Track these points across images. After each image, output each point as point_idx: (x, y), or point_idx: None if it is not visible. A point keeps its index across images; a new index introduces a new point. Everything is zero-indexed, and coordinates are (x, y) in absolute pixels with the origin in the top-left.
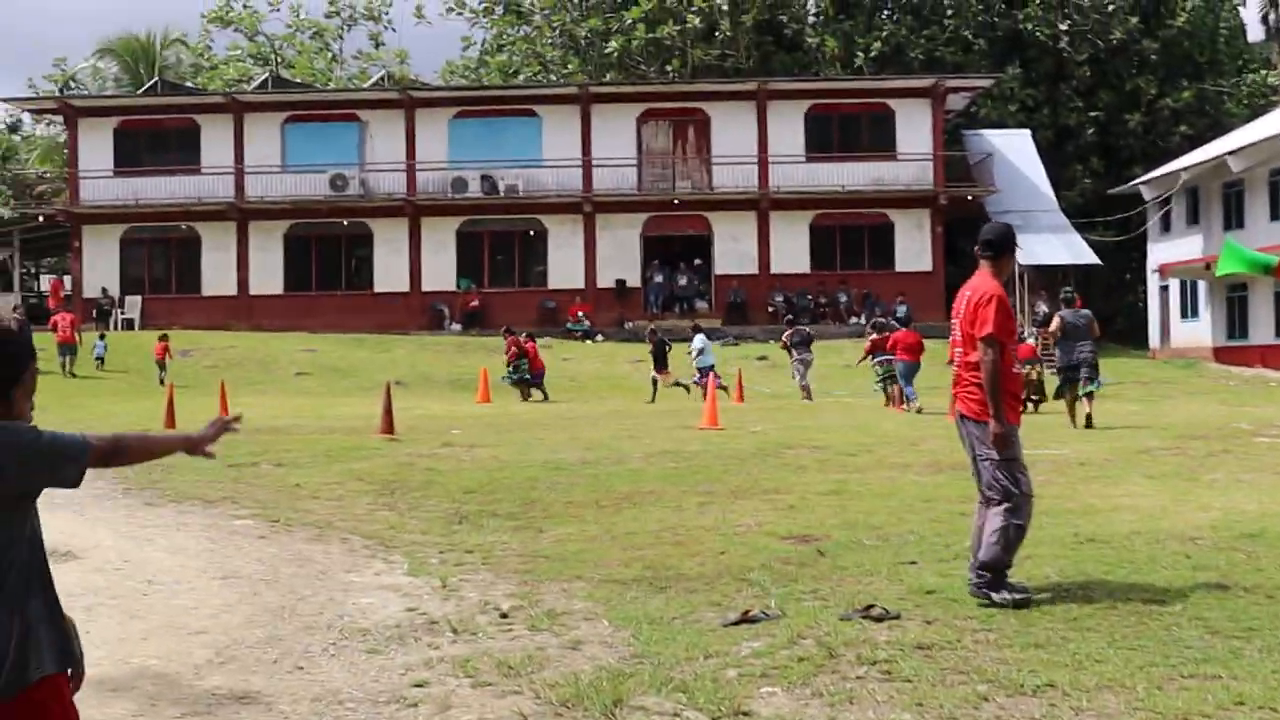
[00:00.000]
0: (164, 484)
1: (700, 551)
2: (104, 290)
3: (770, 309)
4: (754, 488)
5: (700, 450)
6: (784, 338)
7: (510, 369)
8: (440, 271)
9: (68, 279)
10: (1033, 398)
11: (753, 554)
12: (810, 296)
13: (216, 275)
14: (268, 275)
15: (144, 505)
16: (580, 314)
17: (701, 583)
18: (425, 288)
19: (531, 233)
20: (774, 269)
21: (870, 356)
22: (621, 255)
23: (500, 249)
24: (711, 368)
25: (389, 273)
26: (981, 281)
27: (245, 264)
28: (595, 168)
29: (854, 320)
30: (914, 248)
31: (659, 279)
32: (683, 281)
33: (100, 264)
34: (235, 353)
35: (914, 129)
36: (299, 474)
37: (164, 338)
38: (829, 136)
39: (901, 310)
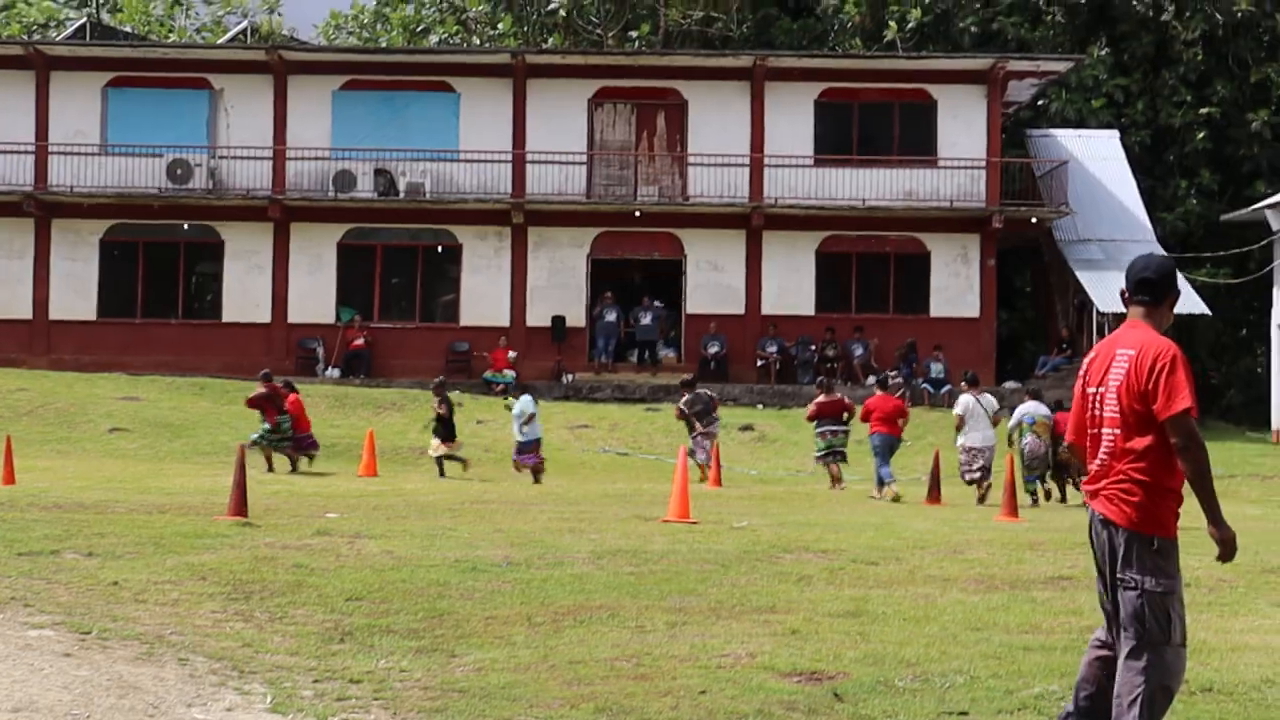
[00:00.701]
0: None
1: (672, 689)
2: None
3: (761, 362)
4: (742, 604)
5: (667, 550)
6: (680, 405)
7: (264, 428)
8: (314, 297)
9: None
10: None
11: (744, 695)
12: (814, 347)
13: (3, 291)
14: (75, 294)
15: None
16: (508, 357)
17: None
18: (293, 318)
19: (440, 248)
20: (767, 308)
21: (816, 422)
22: (562, 283)
23: (396, 269)
24: (538, 442)
25: (244, 296)
26: (1147, 337)
27: (44, 278)
28: (530, 164)
29: (870, 380)
30: (956, 285)
31: (611, 317)
32: (644, 320)
33: None
34: (26, 398)
35: (962, 126)
36: (117, 568)
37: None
38: (846, 133)
39: (937, 369)
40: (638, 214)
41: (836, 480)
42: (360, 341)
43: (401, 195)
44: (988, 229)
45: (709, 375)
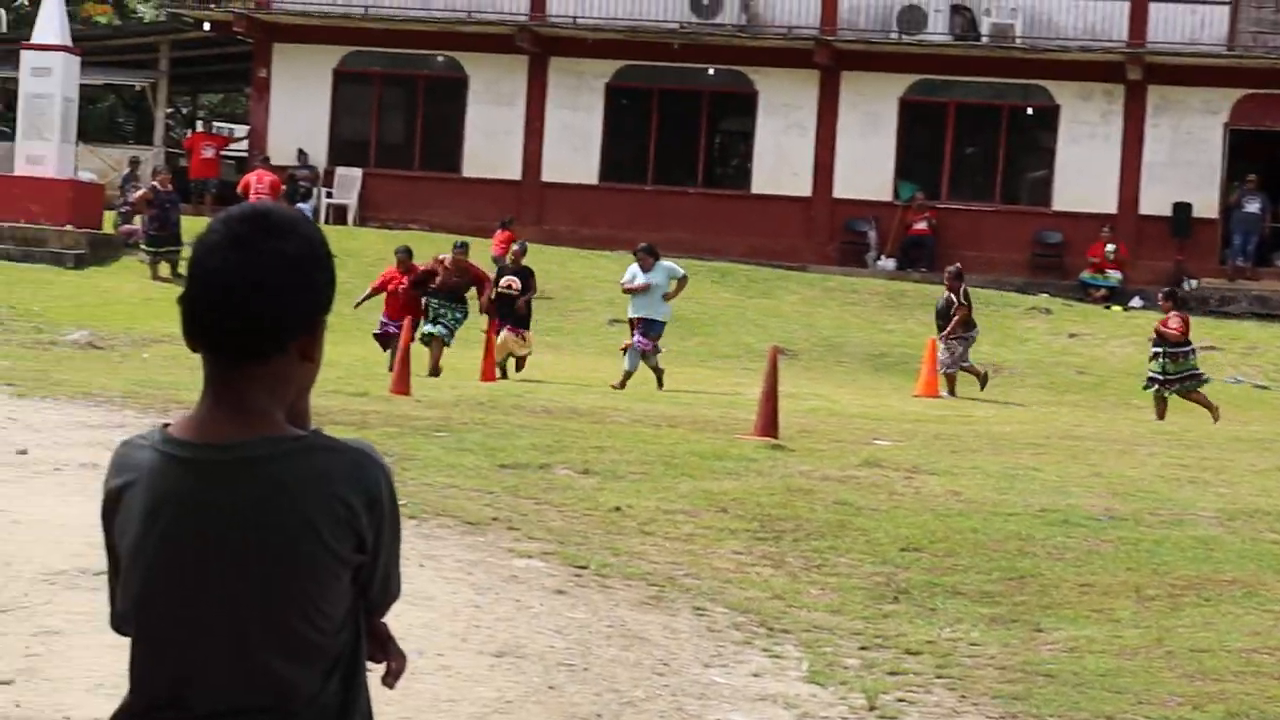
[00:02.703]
0: (398, 484)
1: None
2: (301, 155)
3: None
4: None
5: None
6: None
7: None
8: (867, 168)
9: (236, 130)
10: None
11: None
12: None
13: (487, 145)
14: (574, 152)
15: None
16: (1108, 254)
17: None
18: (839, 193)
19: (1031, 110)
20: None
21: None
22: (1188, 161)
23: (973, 136)
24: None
25: (780, 163)
26: None
27: (538, 131)
28: (1154, 2)
29: None
30: None
31: (1253, 208)
32: None
33: (298, 111)
34: None
35: None
36: (618, 491)
37: (507, 224)
38: None
39: None
40: None
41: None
42: (923, 225)
43: (984, 39)
44: None
45: None
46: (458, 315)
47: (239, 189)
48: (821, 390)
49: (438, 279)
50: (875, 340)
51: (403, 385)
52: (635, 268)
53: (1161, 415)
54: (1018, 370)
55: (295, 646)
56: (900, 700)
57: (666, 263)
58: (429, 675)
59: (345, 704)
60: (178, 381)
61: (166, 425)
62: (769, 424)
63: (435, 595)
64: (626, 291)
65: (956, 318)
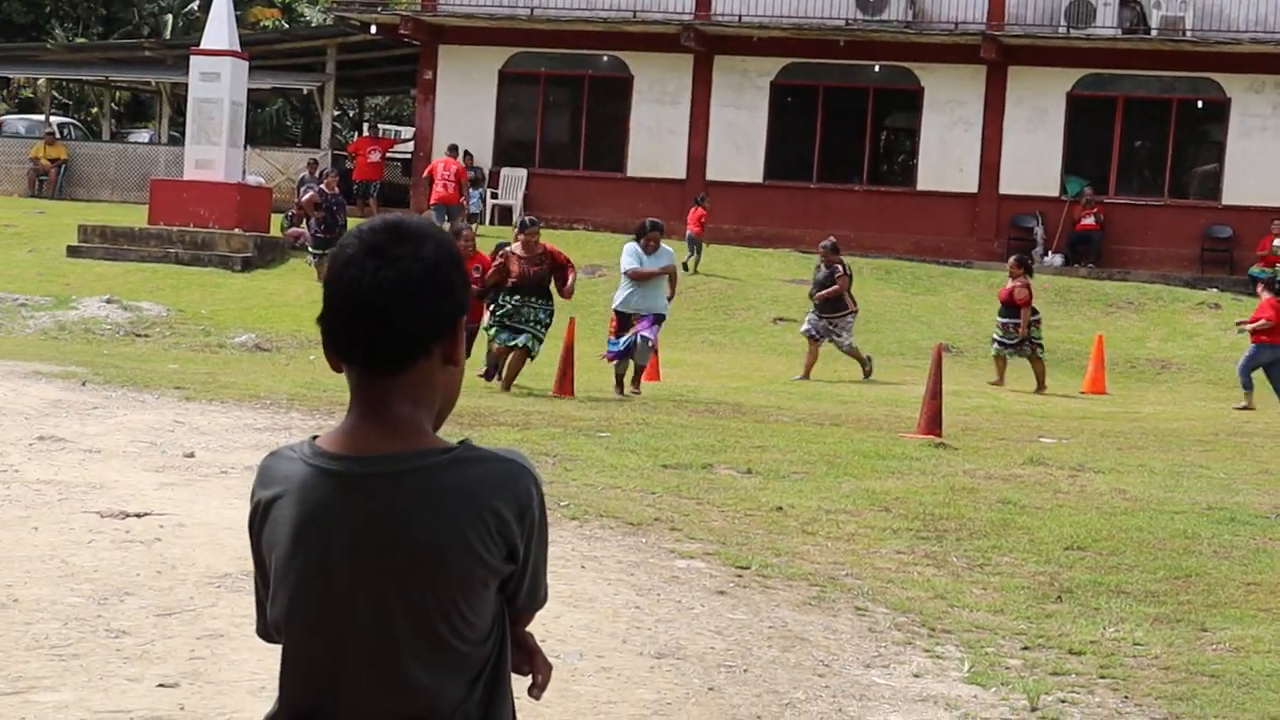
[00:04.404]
0: (557, 485)
1: None
2: (467, 156)
3: None
4: None
5: None
6: None
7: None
8: (1034, 162)
9: (403, 133)
10: None
11: None
12: None
13: (652, 144)
14: (738, 150)
15: None
16: (1275, 247)
17: None
18: (1005, 188)
19: (1201, 103)
20: None
21: None
22: None
23: (1141, 129)
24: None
25: (945, 159)
26: None
27: (702, 129)
28: None
29: None
30: None
31: None
32: None
33: (464, 113)
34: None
35: None
36: (780, 490)
37: (701, 201)
38: None
39: None
40: None
41: None
42: (1090, 220)
43: (1154, 32)
44: None
45: None
46: (542, 316)
47: (426, 173)
48: (986, 388)
49: (511, 278)
50: (1042, 337)
51: (566, 385)
52: (636, 249)
53: (1000, 380)
54: (1186, 366)
55: (442, 657)
56: (1062, 701)
57: (668, 246)
58: (589, 677)
59: (489, 713)
60: (343, 383)
61: (315, 438)
62: (933, 422)
63: (596, 597)
64: (638, 276)
65: (834, 287)
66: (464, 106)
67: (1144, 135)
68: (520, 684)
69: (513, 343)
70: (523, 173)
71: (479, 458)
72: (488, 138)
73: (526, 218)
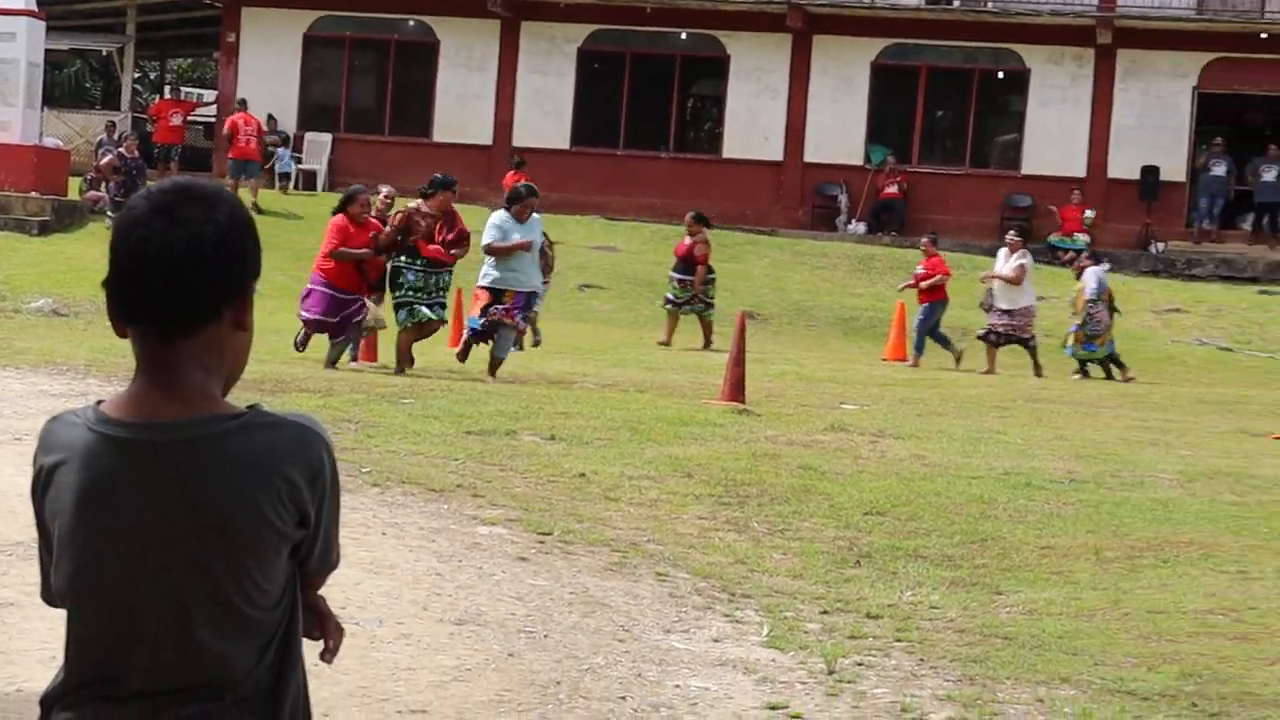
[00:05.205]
0: (359, 451)
1: None
2: (271, 121)
3: None
4: None
5: None
6: None
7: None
8: (838, 132)
9: (205, 96)
10: None
11: None
12: None
13: (459, 110)
14: (545, 117)
15: None
16: (1082, 217)
17: None
18: (810, 157)
19: (1002, 74)
20: None
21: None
22: (1157, 125)
23: (944, 100)
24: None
25: (751, 127)
26: None
27: (509, 95)
28: None
29: None
30: None
31: (1219, 171)
32: (1267, 177)
33: (268, 77)
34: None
35: None
36: (584, 457)
37: (520, 165)
38: None
39: None
40: (1264, 35)
41: None
42: (893, 189)
43: (956, 2)
44: None
45: None
46: (448, 281)
47: (226, 128)
48: (790, 355)
49: (416, 235)
50: (844, 304)
51: (370, 352)
52: (505, 218)
53: (668, 339)
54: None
55: (233, 623)
56: (859, 664)
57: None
58: (388, 643)
59: (280, 678)
60: None
61: (100, 403)
62: (736, 389)
63: (397, 563)
64: (496, 252)
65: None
66: (268, 70)
67: (946, 105)
68: (312, 649)
69: (431, 315)
70: (328, 137)
71: (270, 423)
72: (292, 101)
73: (439, 175)
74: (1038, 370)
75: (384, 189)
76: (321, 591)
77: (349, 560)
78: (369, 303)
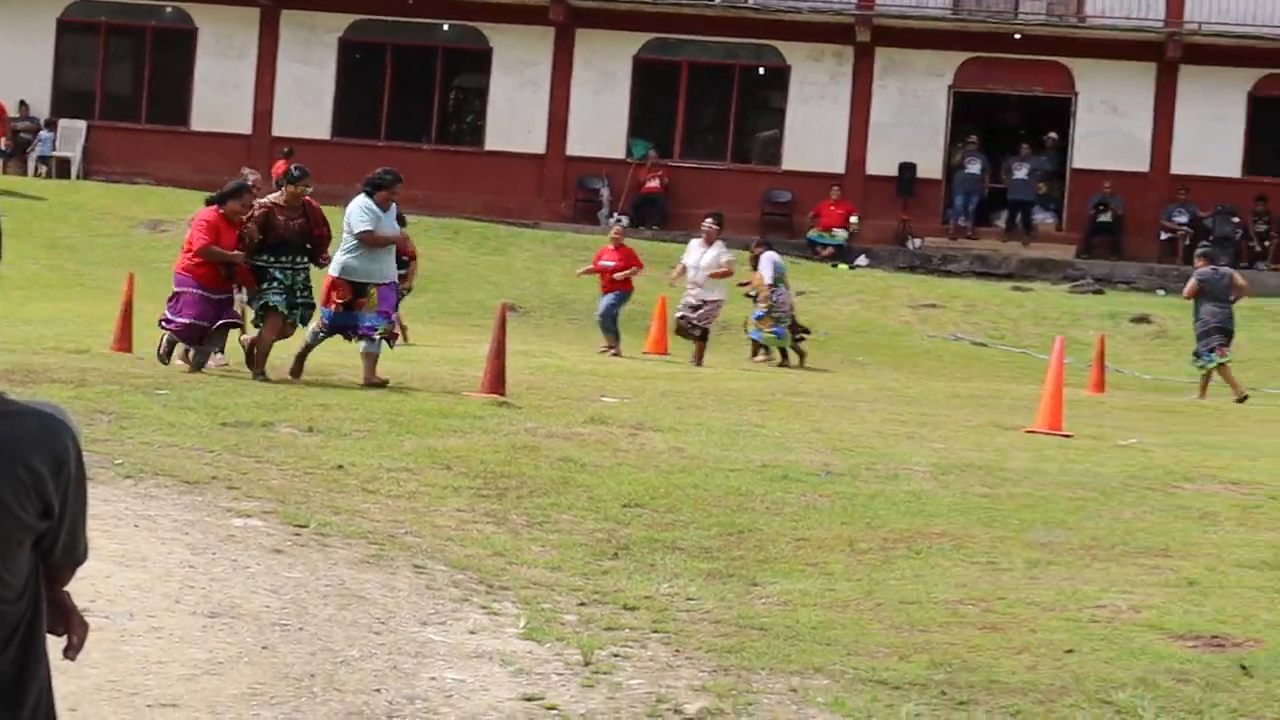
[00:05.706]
0: (112, 443)
1: (1029, 645)
2: (23, 106)
3: (1165, 235)
4: (1125, 543)
5: (1031, 470)
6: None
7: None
8: (601, 125)
9: None
10: None
11: (1122, 659)
12: (1237, 220)
13: (218, 99)
14: (306, 106)
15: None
16: (852, 225)
17: (1031, 700)
18: (573, 150)
19: (762, 71)
20: (1178, 166)
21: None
22: (914, 122)
23: (705, 95)
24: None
25: (514, 120)
26: None
27: (269, 85)
28: None
29: None
30: None
31: (974, 168)
32: (1019, 174)
33: (19, 61)
34: None
35: None
36: (342, 449)
37: (288, 154)
38: None
39: None
40: (1018, 36)
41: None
42: (655, 183)
43: None
44: None
45: (1098, 249)
46: (304, 277)
47: None
48: (552, 347)
49: (277, 230)
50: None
51: (124, 342)
52: (370, 205)
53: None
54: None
55: None
56: (615, 655)
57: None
58: (139, 637)
59: (24, 671)
60: None
61: None
62: (496, 381)
63: (149, 556)
64: (374, 242)
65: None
66: (19, 55)
67: (708, 100)
68: (56, 645)
69: (277, 303)
70: (82, 124)
71: (14, 412)
72: (45, 87)
73: (294, 167)
74: (699, 360)
75: (250, 175)
76: (71, 585)
77: (100, 553)
78: (237, 297)
